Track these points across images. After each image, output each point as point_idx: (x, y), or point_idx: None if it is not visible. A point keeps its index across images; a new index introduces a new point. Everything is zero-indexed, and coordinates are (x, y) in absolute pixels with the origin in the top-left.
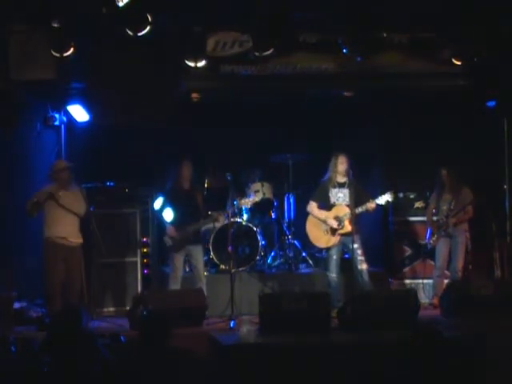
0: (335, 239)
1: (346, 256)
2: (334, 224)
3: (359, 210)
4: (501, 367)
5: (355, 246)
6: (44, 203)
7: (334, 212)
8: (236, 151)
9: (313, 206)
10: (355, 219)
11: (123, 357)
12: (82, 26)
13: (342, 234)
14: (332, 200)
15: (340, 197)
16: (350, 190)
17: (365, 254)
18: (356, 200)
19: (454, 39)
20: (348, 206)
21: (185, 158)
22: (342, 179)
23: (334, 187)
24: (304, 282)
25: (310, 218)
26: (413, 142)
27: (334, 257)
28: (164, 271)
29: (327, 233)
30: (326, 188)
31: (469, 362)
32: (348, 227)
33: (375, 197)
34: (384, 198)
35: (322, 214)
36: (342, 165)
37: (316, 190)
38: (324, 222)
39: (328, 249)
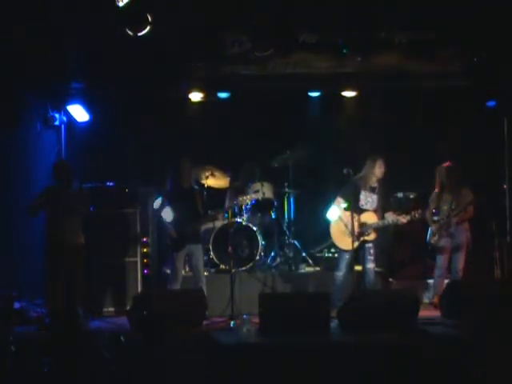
0: (357, 243)
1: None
2: (356, 229)
3: (389, 221)
4: (501, 367)
5: (369, 245)
6: (45, 203)
7: (363, 218)
8: (236, 151)
9: (339, 203)
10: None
11: (123, 357)
12: (81, 26)
13: (366, 241)
14: (361, 202)
15: (369, 201)
16: (378, 195)
17: (375, 254)
18: (384, 207)
19: (454, 39)
20: (375, 211)
21: (184, 158)
22: (374, 183)
23: (366, 189)
24: (304, 282)
25: (336, 219)
26: (413, 142)
27: (347, 257)
28: (164, 271)
29: (351, 236)
30: (358, 188)
31: (468, 361)
32: (373, 234)
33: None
34: (417, 216)
35: (347, 216)
36: (379, 169)
37: (345, 186)
38: (345, 226)
39: (345, 250)
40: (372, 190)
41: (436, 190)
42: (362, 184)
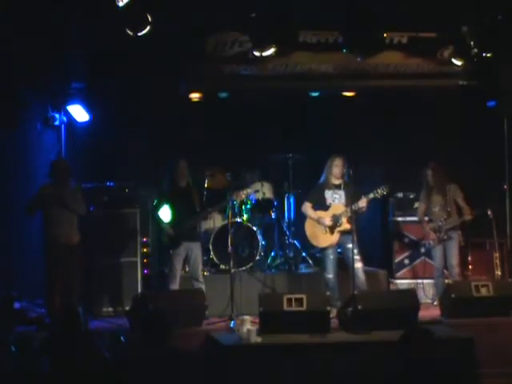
0: (334, 238)
1: (340, 255)
2: (327, 222)
3: (357, 205)
4: (500, 367)
5: (351, 245)
6: (42, 202)
7: (331, 211)
8: (236, 151)
9: (307, 207)
10: (352, 218)
11: (123, 357)
12: (82, 27)
13: (341, 232)
14: (328, 201)
15: (336, 198)
16: (345, 191)
17: (360, 252)
18: (352, 200)
19: (454, 39)
20: (344, 205)
21: (181, 157)
22: (337, 181)
23: (330, 189)
24: (304, 282)
25: (308, 219)
26: (413, 142)
27: (331, 256)
28: (164, 271)
29: (326, 232)
30: (321, 189)
31: (468, 362)
32: (346, 225)
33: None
34: (379, 192)
35: (316, 214)
36: (336, 167)
37: (311, 190)
38: (317, 222)
39: (324, 248)
40: (337, 187)
41: (423, 191)
42: (325, 184)
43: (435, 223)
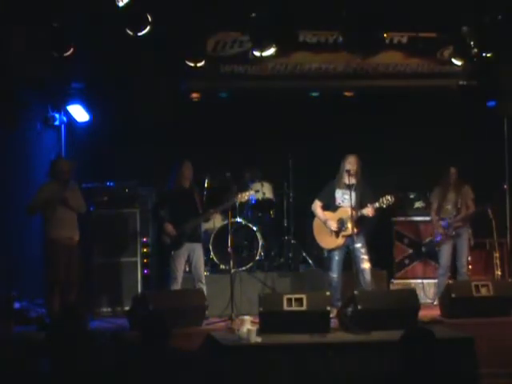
0: (340, 241)
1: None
2: (333, 226)
3: (363, 213)
4: (500, 367)
5: (358, 245)
6: (44, 202)
7: (338, 214)
8: (236, 151)
9: (317, 206)
10: (357, 221)
11: (123, 357)
12: (82, 26)
13: (346, 236)
14: (337, 201)
15: (346, 198)
16: (356, 192)
17: (369, 253)
18: (361, 203)
19: (454, 39)
20: (353, 208)
21: (186, 158)
22: (350, 181)
23: (341, 188)
24: (304, 282)
25: (316, 218)
26: (412, 142)
27: (337, 257)
28: (164, 271)
29: (332, 234)
30: (332, 188)
31: (468, 362)
32: (351, 230)
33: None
34: (385, 202)
35: (324, 215)
36: (349, 164)
37: (323, 189)
38: (324, 223)
39: (331, 249)
40: (348, 187)
41: (439, 188)
42: (337, 183)
43: (445, 220)
